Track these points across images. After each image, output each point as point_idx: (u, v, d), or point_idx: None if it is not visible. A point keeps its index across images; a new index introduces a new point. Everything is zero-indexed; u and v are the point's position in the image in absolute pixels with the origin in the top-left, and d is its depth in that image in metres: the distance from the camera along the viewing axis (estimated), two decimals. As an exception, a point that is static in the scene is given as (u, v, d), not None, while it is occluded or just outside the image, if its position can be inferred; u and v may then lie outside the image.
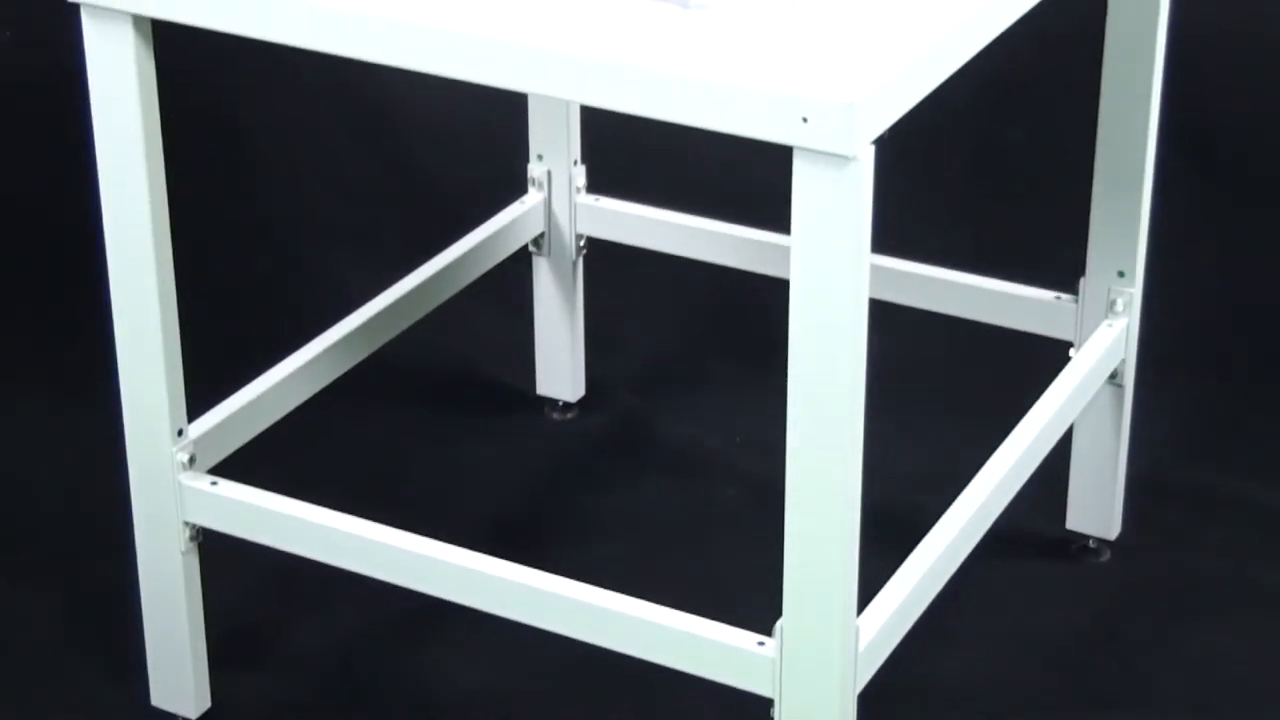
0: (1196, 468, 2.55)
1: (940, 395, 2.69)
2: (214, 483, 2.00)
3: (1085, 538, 2.38)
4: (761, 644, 1.78)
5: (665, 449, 2.61)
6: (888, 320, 2.05)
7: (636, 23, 1.61)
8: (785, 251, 1.62)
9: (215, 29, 1.77)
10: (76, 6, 1.83)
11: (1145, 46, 2.14)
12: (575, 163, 2.53)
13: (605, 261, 2.64)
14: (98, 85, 1.85)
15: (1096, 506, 2.36)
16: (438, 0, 1.68)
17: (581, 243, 2.57)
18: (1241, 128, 3.01)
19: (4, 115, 3.12)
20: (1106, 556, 2.38)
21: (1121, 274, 2.25)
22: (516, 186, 2.55)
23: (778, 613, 1.74)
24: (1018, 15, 1.79)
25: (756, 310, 2.71)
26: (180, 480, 1.99)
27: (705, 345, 2.83)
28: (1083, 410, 2.25)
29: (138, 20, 1.81)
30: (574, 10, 1.64)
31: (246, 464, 2.10)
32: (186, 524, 2.01)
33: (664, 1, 1.61)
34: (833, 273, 1.59)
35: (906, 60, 1.60)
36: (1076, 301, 2.28)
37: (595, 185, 2.55)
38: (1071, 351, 2.27)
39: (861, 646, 1.78)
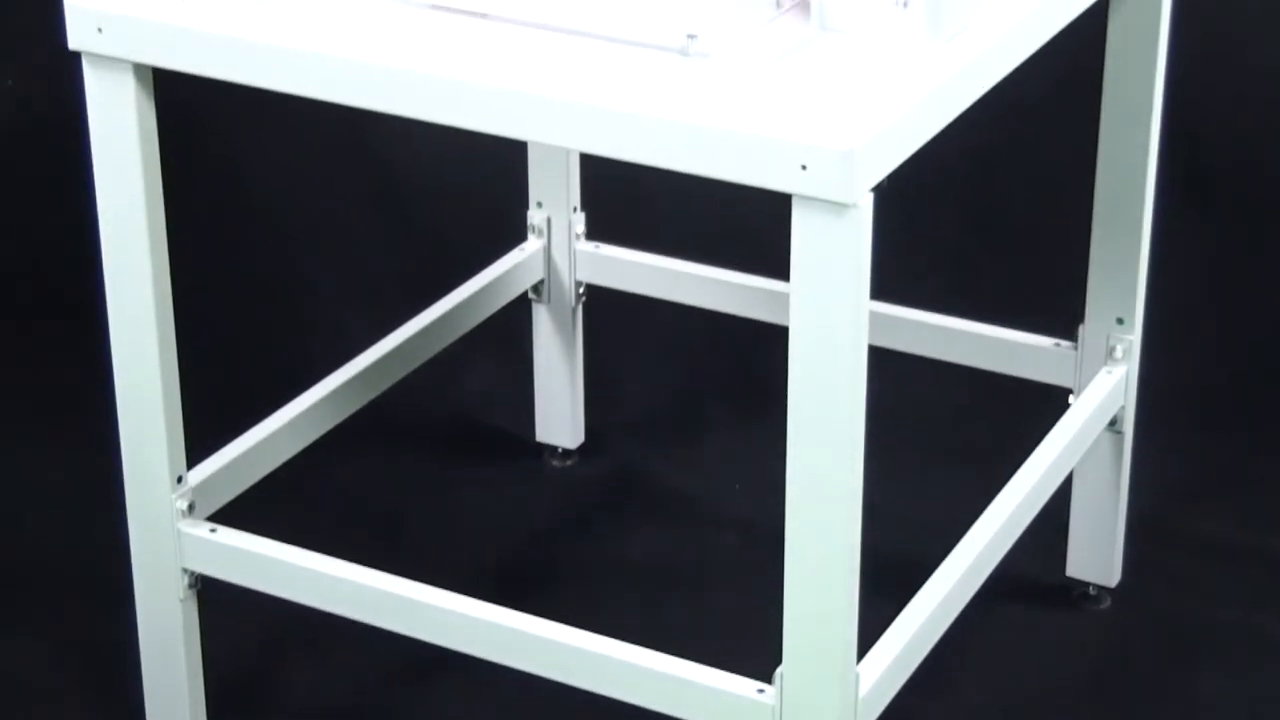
0: (1197, 514, 2.55)
1: (940, 442, 2.69)
2: (213, 530, 2.00)
3: (1086, 585, 2.38)
4: (761, 691, 1.77)
5: (665, 495, 2.61)
6: (887, 367, 2.05)
7: (635, 71, 1.62)
8: (785, 298, 1.62)
9: (216, 78, 1.78)
10: (78, 54, 1.83)
11: (1142, 94, 2.15)
12: (575, 210, 2.53)
13: (605, 308, 2.64)
14: (99, 133, 1.86)
15: (1097, 553, 2.36)
16: (436, 48, 1.68)
17: (581, 289, 2.57)
18: (1240, 174, 3.01)
19: (5, 161, 3.13)
20: (1107, 604, 2.38)
21: (1120, 321, 2.25)
22: (516, 233, 2.55)
23: (777, 660, 1.74)
24: (1016, 64, 1.80)
25: (756, 356, 2.71)
26: (179, 527, 1.99)
27: (705, 391, 2.83)
28: (1082, 457, 2.24)
29: (139, 69, 1.82)
30: (573, 58, 1.64)
31: (246, 511, 2.10)
32: (185, 571, 2.01)
33: (663, 50, 1.61)
34: (832, 319, 1.59)
35: (905, 108, 1.60)
36: (1076, 348, 2.29)
37: (595, 232, 2.56)
38: (1071, 398, 2.27)
39: (862, 693, 1.77)
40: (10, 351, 2.88)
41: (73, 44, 1.82)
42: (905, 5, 1.67)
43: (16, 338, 2.91)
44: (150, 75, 1.83)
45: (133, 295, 1.90)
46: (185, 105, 2.23)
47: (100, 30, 1.80)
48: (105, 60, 1.82)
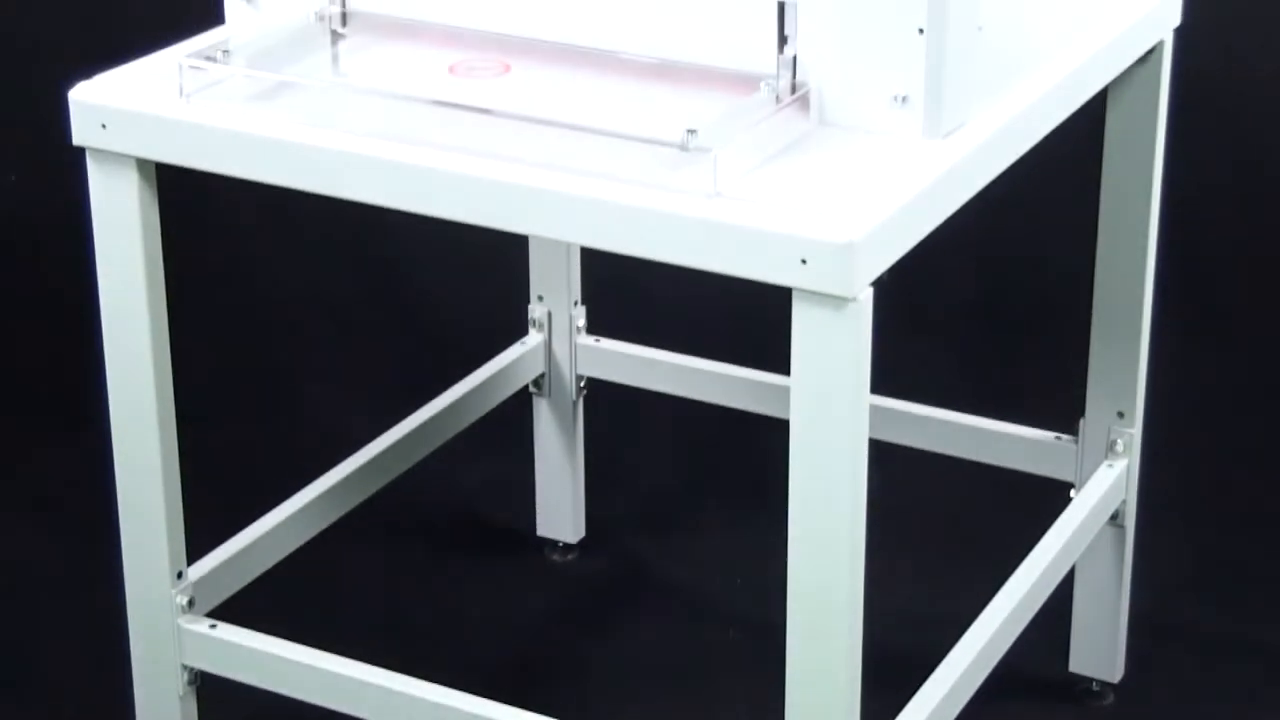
0: (1200, 610, 2.54)
1: (941, 536, 2.68)
2: (213, 626, 1.99)
3: (1088, 680, 2.37)
4: (763, 788, 1.76)
5: (666, 591, 2.60)
6: (888, 460, 2.05)
7: (636, 165, 1.63)
8: (785, 392, 1.62)
9: (217, 172, 1.78)
10: (82, 150, 1.84)
11: (1141, 187, 2.16)
12: (575, 303, 2.53)
13: (606, 402, 2.65)
14: (102, 227, 1.86)
15: (1099, 649, 2.35)
16: (438, 143, 1.69)
17: (582, 383, 2.58)
18: (1240, 267, 3.02)
19: (7, 256, 3.13)
20: (1110, 700, 2.36)
21: (1121, 415, 2.25)
22: (517, 327, 2.56)
23: (779, 756, 1.73)
24: (1014, 158, 1.81)
25: (757, 450, 2.70)
26: (179, 624, 1.98)
27: (706, 486, 2.83)
28: (1084, 551, 2.24)
29: (142, 164, 1.82)
30: (573, 153, 1.65)
31: (246, 606, 2.09)
32: (185, 667, 2.00)
33: (663, 145, 1.62)
34: (832, 413, 1.59)
35: (904, 202, 1.61)
36: (1076, 442, 2.28)
37: (595, 326, 2.56)
38: (1072, 492, 2.27)
39: (864, 790, 1.76)
40: (11, 443, 2.88)
41: (77, 139, 1.83)
42: (903, 101, 1.68)
43: (18, 430, 2.91)
44: (153, 170, 1.84)
45: (134, 388, 1.90)
46: (187, 197, 2.24)
47: (104, 126, 1.81)
48: (109, 156, 1.83)
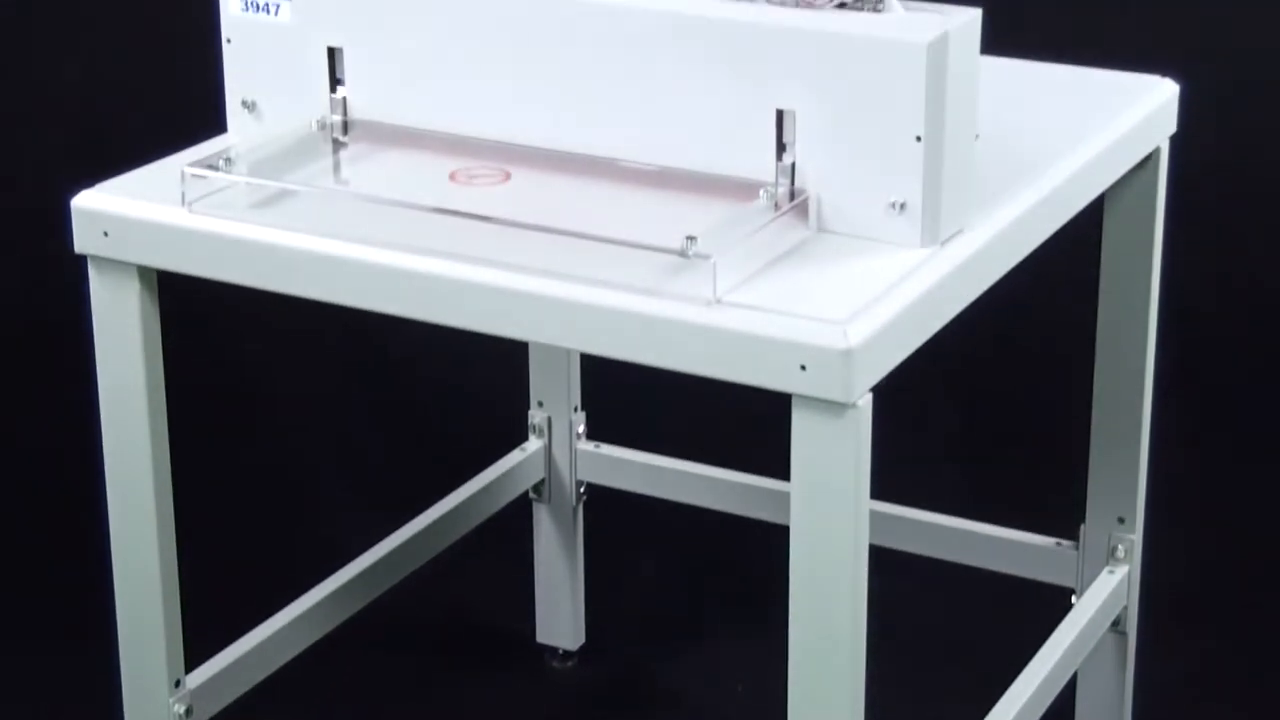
0: (1202, 716, 2.53)
1: (941, 642, 2.67)
2: (210, 733, 1.98)
3: (1091, 788, 2.35)
4: None
5: (666, 699, 2.59)
6: (887, 566, 2.04)
7: (635, 272, 1.63)
8: (786, 497, 1.62)
9: (219, 279, 1.79)
10: (83, 257, 1.85)
11: (1140, 292, 2.16)
12: (575, 409, 2.54)
13: (606, 507, 2.64)
14: (103, 334, 1.87)
15: (1102, 755, 2.34)
16: (437, 249, 1.70)
17: (582, 489, 2.57)
18: (1238, 372, 3.03)
19: (7, 362, 3.14)
20: (1113, 807, 2.35)
21: (1121, 520, 2.24)
22: (517, 433, 2.56)
23: None
24: (1012, 264, 1.81)
25: (758, 556, 2.70)
26: (176, 730, 1.97)
27: (706, 592, 2.82)
28: (1086, 658, 2.23)
29: (143, 271, 1.83)
30: (572, 259, 1.66)
31: (245, 715, 2.08)
32: (182, 775, 1.99)
33: (662, 252, 1.63)
34: (832, 520, 1.59)
35: (902, 308, 1.61)
36: (1077, 548, 2.28)
37: (595, 431, 2.56)
38: (1073, 599, 2.26)
39: None
40: (9, 550, 2.88)
41: (79, 247, 1.84)
42: (901, 208, 1.69)
43: (16, 537, 2.90)
44: (154, 277, 1.84)
45: (133, 496, 1.90)
46: (186, 299, 2.24)
47: (106, 234, 1.82)
48: (110, 263, 1.83)
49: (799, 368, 1.55)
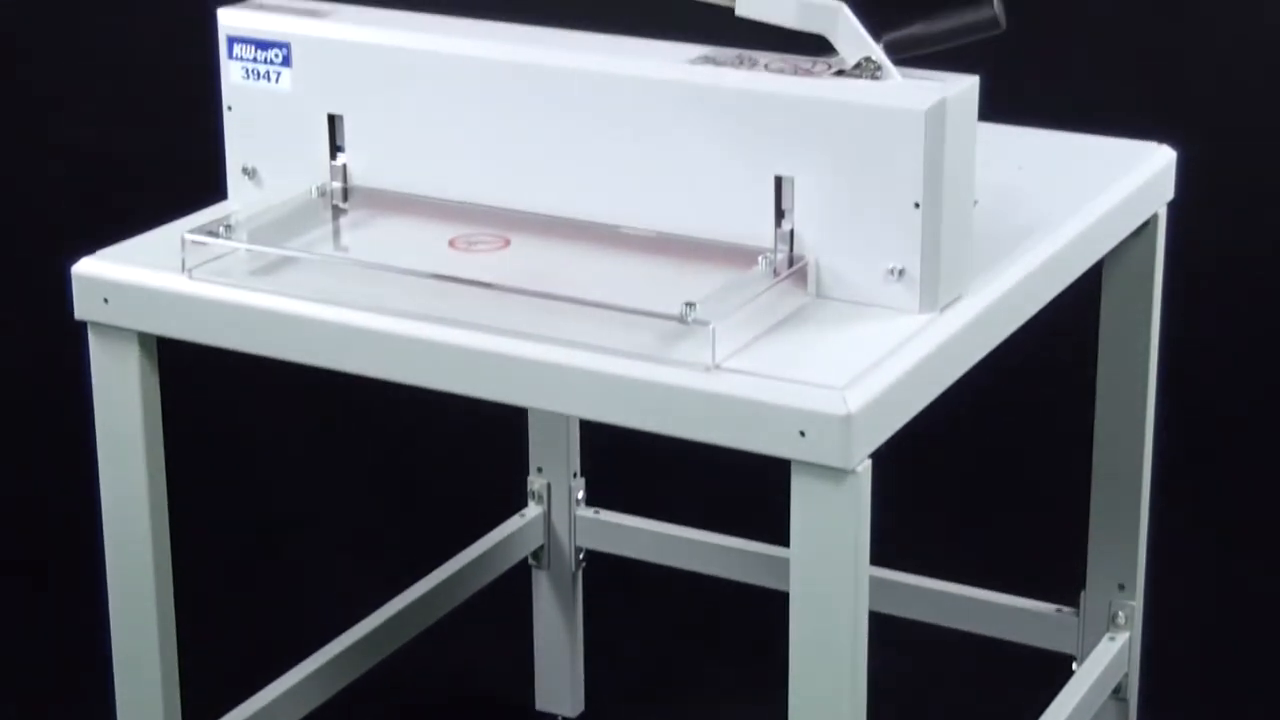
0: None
1: (942, 709, 2.66)
2: (208, 801, 1.97)
3: None
4: None
5: (666, 765, 2.58)
6: (888, 632, 2.04)
7: (635, 338, 1.63)
8: (785, 563, 1.62)
9: (219, 346, 1.79)
10: (83, 323, 1.85)
11: (1139, 360, 2.17)
12: (575, 475, 2.54)
13: (605, 574, 2.64)
14: (102, 400, 1.87)
15: (1104, 823, 2.33)
16: (437, 316, 1.70)
17: (581, 555, 2.57)
18: (1237, 438, 3.02)
19: (6, 427, 3.14)
20: None
21: (1122, 587, 2.24)
22: (516, 499, 2.56)
23: None
24: (1011, 329, 1.82)
25: (758, 623, 2.69)
26: (174, 799, 1.96)
27: (706, 658, 2.81)
28: (1087, 724, 2.23)
29: (143, 338, 1.83)
30: (572, 325, 1.66)
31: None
32: (179, 844, 1.98)
33: (662, 318, 1.63)
34: (832, 586, 1.58)
35: (902, 374, 1.62)
36: (1078, 615, 2.27)
37: (595, 497, 2.56)
38: (1074, 666, 2.25)
39: None
40: (6, 617, 2.87)
41: (79, 314, 1.84)
42: (900, 275, 1.69)
43: (14, 602, 2.89)
44: (154, 343, 1.85)
45: (132, 560, 1.90)
46: (185, 366, 2.24)
47: (106, 301, 1.82)
48: (110, 330, 1.84)
49: (798, 434, 1.55)
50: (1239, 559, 2.93)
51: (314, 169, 1.92)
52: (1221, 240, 3.04)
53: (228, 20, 1.93)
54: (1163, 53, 2.81)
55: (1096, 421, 2.20)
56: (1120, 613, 2.24)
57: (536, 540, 2.55)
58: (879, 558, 1.79)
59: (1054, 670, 2.26)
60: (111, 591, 1.93)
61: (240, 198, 1.95)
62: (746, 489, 2.61)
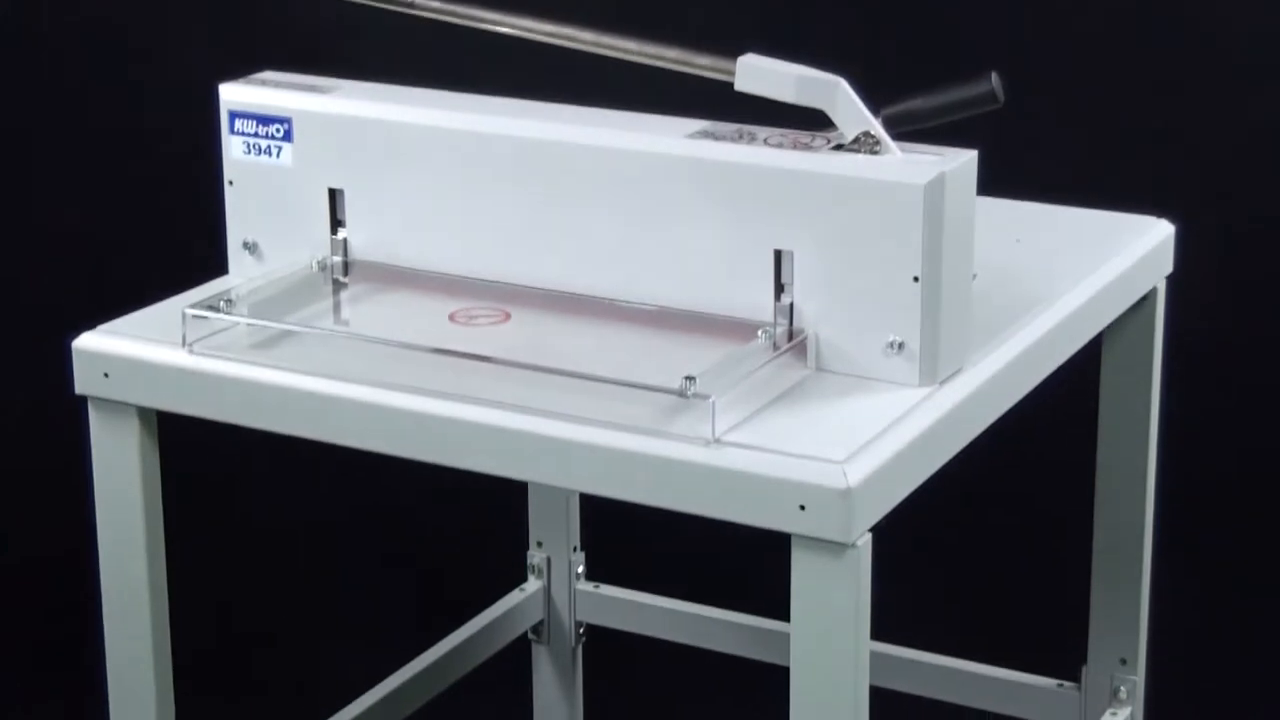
0: None
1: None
2: None
3: None
4: None
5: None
6: (888, 708, 2.03)
7: (635, 412, 1.64)
8: (785, 638, 1.62)
9: (220, 420, 1.79)
10: (83, 398, 1.85)
11: (1138, 432, 2.17)
12: (575, 549, 2.53)
13: (606, 648, 2.63)
14: (101, 475, 1.87)
15: None
16: (437, 390, 1.70)
17: (581, 630, 2.56)
18: (1239, 511, 3.02)
19: (6, 501, 3.14)
20: None
21: (1124, 661, 2.23)
22: (516, 573, 2.55)
23: None
24: (1011, 403, 1.82)
25: (759, 698, 2.68)
26: None
27: (706, 734, 2.81)
28: (1090, 800, 2.22)
29: (143, 412, 1.83)
30: (572, 399, 1.66)
31: None
32: None
33: (661, 392, 1.63)
34: (833, 660, 1.58)
35: (901, 448, 1.61)
36: (1080, 690, 2.27)
37: (595, 571, 2.56)
38: (1077, 739, 2.25)
39: None
40: (7, 691, 2.86)
41: (79, 388, 1.84)
42: (899, 348, 1.70)
43: (15, 683, 2.88)
44: (154, 418, 1.85)
45: (132, 635, 1.89)
46: (183, 438, 2.24)
47: (106, 375, 1.82)
48: (110, 404, 1.84)
49: (798, 508, 1.55)
50: (1242, 633, 2.92)
51: (315, 243, 1.93)
52: (1221, 313, 3.04)
53: (229, 95, 1.94)
54: (1162, 127, 2.83)
55: (1097, 494, 2.20)
56: (1122, 687, 2.23)
57: (536, 615, 2.55)
58: (879, 632, 1.79)
59: (1056, 745, 2.25)
60: (110, 666, 1.92)
61: (241, 272, 1.96)
62: (747, 562, 2.61)
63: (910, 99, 1.75)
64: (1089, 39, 2.83)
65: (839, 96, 1.72)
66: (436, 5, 1.85)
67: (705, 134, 1.77)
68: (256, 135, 1.93)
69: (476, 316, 1.84)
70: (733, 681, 2.78)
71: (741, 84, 1.74)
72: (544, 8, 1.84)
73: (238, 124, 1.94)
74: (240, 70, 1.98)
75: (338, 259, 1.92)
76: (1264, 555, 2.99)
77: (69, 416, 2.10)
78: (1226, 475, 3.03)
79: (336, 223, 1.92)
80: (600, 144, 1.79)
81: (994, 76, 1.75)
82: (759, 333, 1.73)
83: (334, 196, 1.92)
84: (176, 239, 2.83)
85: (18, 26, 3.10)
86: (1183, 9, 2.78)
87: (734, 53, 1.75)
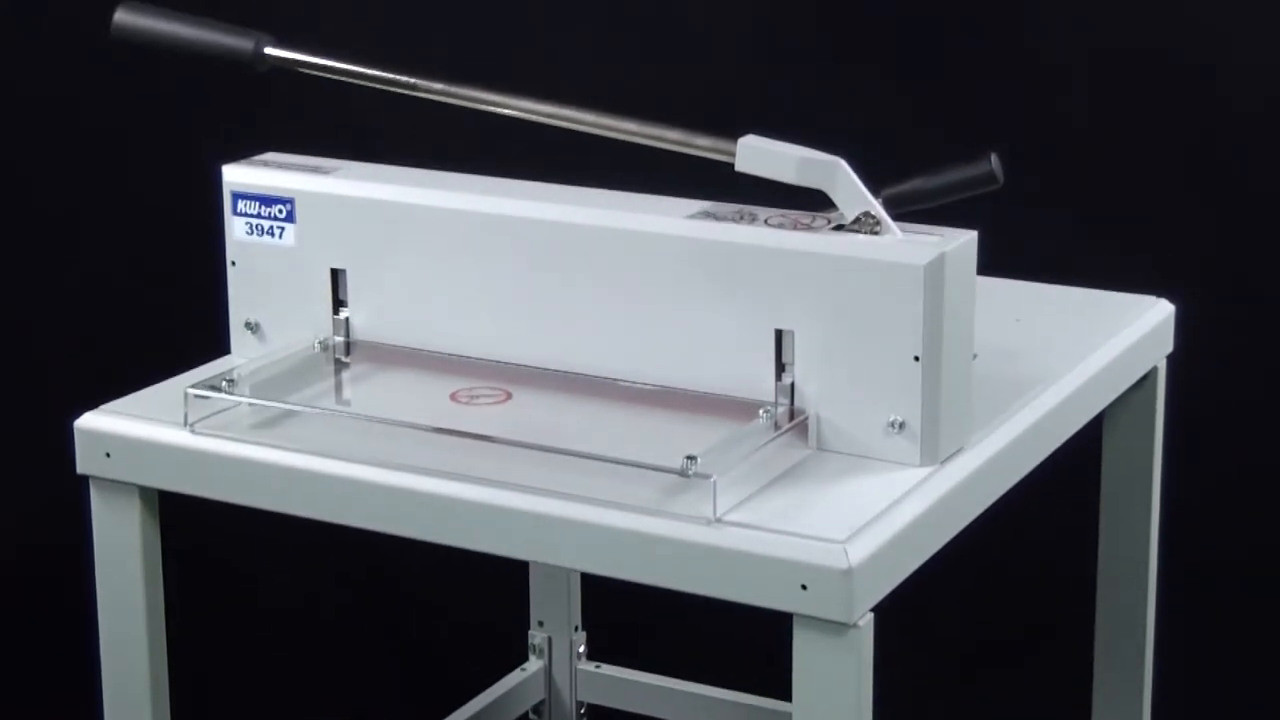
0: None
1: None
2: None
3: None
4: None
5: None
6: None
7: (635, 491, 1.64)
8: (788, 717, 1.61)
9: (222, 500, 1.79)
10: (85, 477, 1.85)
11: (1140, 513, 2.17)
12: (576, 629, 2.53)
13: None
14: (103, 554, 1.87)
15: None
16: (438, 470, 1.70)
17: (583, 710, 2.55)
18: (1240, 586, 3.01)
19: (6, 581, 3.13)
20: None
21: (1127, 740, 2.23)
22: (517, 653, 2.55)
23: None
24: (1013, 482, 1.82)
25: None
26: None
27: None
28: None
29: (145, 492, 1.83)
30: (573, 478, 1.66)
31: None
32: None
33: (662, 471, 1.63)
34: (835, 741, 1.58)
35: (903, 527, 1.61)
36: (1083, 769, 2.26)
37: (596, 650, 2.55)
38: (1080, 820, 2.24)
39: None
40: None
41: (81, 468, 1.85)
42: (900, 427, 1.70)
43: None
44: (155, 497, 1.85)
45: (132, 716, 1.89)
46: (183, 517, 2.24)
47: (108, 455, 1.82)
48: (112, 484, 1.84)
49: (800, 587, 1.55)
50: (1244, 709, 2.91)
51: (317, 323, 1.93)
52: (1222, 392, 3.04)
53: (233, 176, 1.95)
54: (1162, 206, 2.84)
55: (1099, 572, 2.20)
56: (1126, 766, 2.23)
57: (538, 695, 2.54)
58: (881, 710, 1.78)
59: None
60: (110, 747, 1.92)
61: (243, 352, 1.96)
62: (748, 642, 2.60)
63: (910, 180, 1.76)
64: (1087, 119, 2.84)
65: (839, 177, 1.73)
66: (439, 87, 1.86)
67: (706, 214, 1.78)
68: (259, 216, 1.94)
69: (478, 396, 1.84)
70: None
71: (742, 165, 1.75)
72: (548, 86, 1.86)
73: (241, 205, 1.95)
74: (244, 151, 1.99)
75: (340, 339, 1.93)
76: (1268, 633, 2.98)
77: (71, 496, 2.10)
78: (1229, 555, 3.02)
79: (338, 302, 1.93)
80: (601, 224, 1.79)
81: (993, 157, 1.76)
82: (760, 412, 1.73)
83: (336, 277, 1.92)
84: (179, 319, 2.84)
85: (22, 105, 3.12)
86: (1182, 90, 2.80)
87: (733, 134, 1.76)
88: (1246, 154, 2.81)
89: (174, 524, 1.91)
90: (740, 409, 1.75)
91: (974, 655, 3.05)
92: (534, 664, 2.53)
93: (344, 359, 1.93)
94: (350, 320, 1.93)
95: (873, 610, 1.57)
